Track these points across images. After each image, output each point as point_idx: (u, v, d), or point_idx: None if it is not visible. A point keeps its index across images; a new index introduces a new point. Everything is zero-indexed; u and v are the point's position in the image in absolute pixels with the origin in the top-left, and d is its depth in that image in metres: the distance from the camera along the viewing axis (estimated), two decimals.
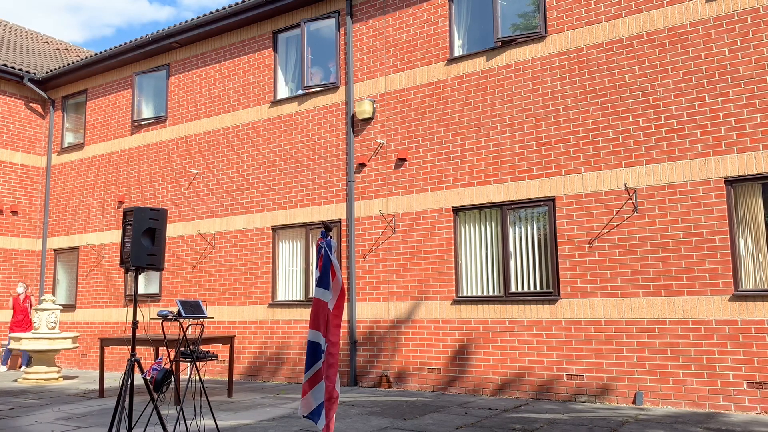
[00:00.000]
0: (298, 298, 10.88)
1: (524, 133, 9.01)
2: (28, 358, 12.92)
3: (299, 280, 10.96)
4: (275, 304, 11.05)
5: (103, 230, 13.84)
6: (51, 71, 14.80)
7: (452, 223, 9.45)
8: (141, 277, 12.59)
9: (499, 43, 9.36)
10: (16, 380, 11.23)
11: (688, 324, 7.60)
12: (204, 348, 9.71)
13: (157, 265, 5.28)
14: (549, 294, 8.57)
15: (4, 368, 13.37)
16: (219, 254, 11.93)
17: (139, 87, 13.76)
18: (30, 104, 15.21)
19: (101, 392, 9.05)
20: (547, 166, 8.78)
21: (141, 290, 12.86)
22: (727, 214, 7.53)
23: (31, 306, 13.23)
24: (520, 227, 9.02)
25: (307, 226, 10.91)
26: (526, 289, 8.82)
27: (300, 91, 11.42)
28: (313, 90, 11.15)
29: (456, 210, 9.47)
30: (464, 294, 9.28)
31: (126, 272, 12.85)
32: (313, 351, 4.32)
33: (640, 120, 8.19)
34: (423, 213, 9.72)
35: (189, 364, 9.34)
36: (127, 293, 13.21)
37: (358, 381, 9.99)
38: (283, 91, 11.75)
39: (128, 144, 13.77)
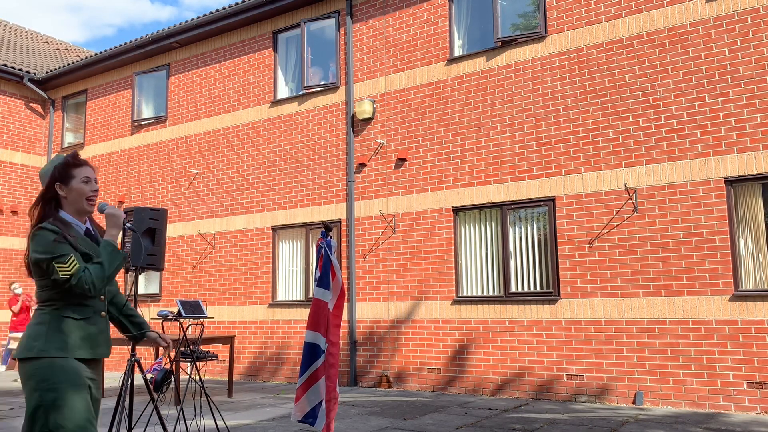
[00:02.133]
0: (298, 298, 10.88)
1: (524, 133, 9.01)
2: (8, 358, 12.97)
3: (299, 280, 10.96)
4: (275, 304, 11.04)
5: None
6: (51, 71, 14.80)
7: (452, 223, 9.45)
8: (141, 277, 12.58)
9: (499, 43, 9.36)
10: (16, 380, 11.23)
11: (688, 324, 7.60)
12: (204, 348, 9.71)
13: (157, 265, 5.28)
14: (549, 294, 8.57)
15: (2, 368, 13.37)
16: (219, 254, 11.93)
17: (139, 87, 13.76)
18: (30, 104, 15.21)
19: (101, 392, 9.04)
20: (547, 166, 8.78)
21: (141, 290, 12.85)
22: (727, 214, 7.53)
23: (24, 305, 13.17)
24: (520, 227, 9.02)
25: (307, 226, 10.91)
26: (526, 289, 8.82)
27: (300, 91, 11.42)
28: (313, 90, 11.15)
29: (456, 210, 9.47)
30: (464, 294, 9.28)
31: (126, 272, 12.85)
32: (311, 353, 4.31)
33: (640, 120, 8.19)
34: (423, 213, 9.72)
35: (189, 364, 9.34)
36: (127, 293, 13.20)
37: (358, 381, 9.99)
38: (283, 91, 11.75)
39: (128, 144, 13.77)
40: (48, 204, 2.87)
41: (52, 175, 2.89)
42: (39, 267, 2.75)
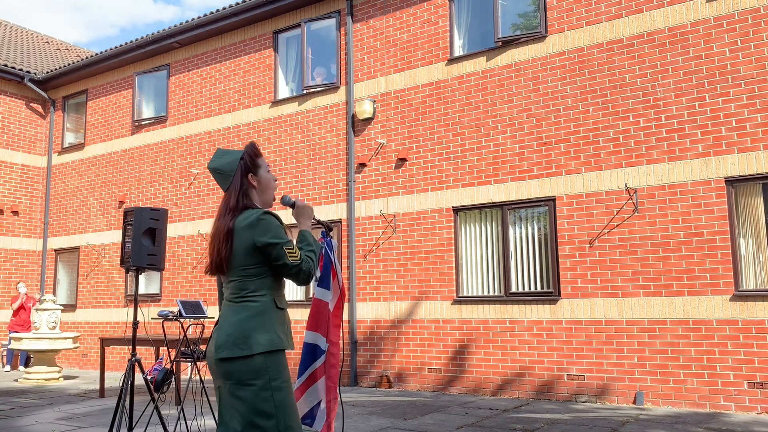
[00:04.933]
0: (298, 298, 10.88)
1: (525, 133, 9.01)
2: (27, 358, 12.92)
3: None
4: None
5: (104, 230, 13.85)
6: (51, 71, 14.81)
7: (453, 223, 9.44)
8: (141, 277, 12.59)
9: (500, 43, 9.35)
10: (16, 380, 11.24)
11: (688, 324, 7.60)
12: (205, 348, 9.71)
13: (157, 265, 5.28)
14: (549, 294, 8.57)
15: (8, 367, 13.37)
16: None
17: (140, 87, 13.77)
18: (30, 104, 15.22)
19: (102, 392, 9.05)
20: (548, 166, 8.78)
21: (141, 290, 12.86)
22: (727, 214, 7.53)
23: (27, 308, 13.16)
24: (521, 227, 9.02)
25: None
26: (526, 289, 8.82)
27: (301, 91, 11.41)
28: (314, 90, 11.15)
29: (456, 210, 9.47)
30: (465, 294, 9.28)
31: (126, 272, 12.85)
32: (310, 353, 4.30)
33: (641, 120, 8.18)
34: (423, 213, 9.72)
35: (190, 364, 9.34)
36: (128, 293, 13.21)
37: (359, 381, 9.99)
38: (283, 91, 11.75)
39: (129, 144, 13.77)
40: (244, 195, 2.79)
41: (244, 166, 2.81)
42: (263, 252, 2.69)
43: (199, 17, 12.29)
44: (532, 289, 8.79)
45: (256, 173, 2.84)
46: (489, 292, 9.12)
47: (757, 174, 7.42)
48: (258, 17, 11.82)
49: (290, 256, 2.70)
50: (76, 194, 14.57)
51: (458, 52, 9.85)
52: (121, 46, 13.52)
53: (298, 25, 11.50)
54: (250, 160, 2.83)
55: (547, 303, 8.54)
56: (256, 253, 2.70)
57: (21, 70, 14.61)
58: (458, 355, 9.15)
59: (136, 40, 13.25)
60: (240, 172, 2.80)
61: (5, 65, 14.28)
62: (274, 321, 2.70)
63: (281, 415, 2.58)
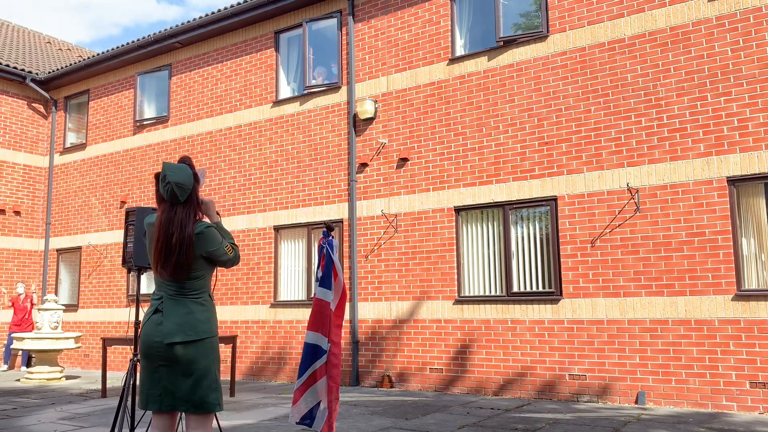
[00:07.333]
0: (300, 298, 10.88)
1: (526, 133, 9.00)
2: (28, 357, 12.94)
3: (301, 280, 10.97)
4: (277, 304, 11.05)
5: (106, 230, 13.86)
6: (53, 71, 14.82)
7: (454, 223, 9.44)
8: (143, 277, 12.57)
9: (501, 43, 9.35)
10: (18, 380, 11.26)
11: (690, 324, 7.59)
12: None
13: None
14: (551, 294, 8.56)
15: (5, 367, 13.40)
16: None
17: (142, 87, 13.78)
18: (32, 104, 15.24)
19: (103, 392, 9.06)
20: (549, 165, 8.78)
21: (143, 290, 12.85)
22: (729, 214, 7.52)
23: (32, 305, 13.22)
24: (522, 227, 9.01)
25: (309, 226, 10.91)
26: (528, 289, 8.81)
27: (302, 91, 11.42)
28: (315, 90, 11.15)
29: (458, 210, 9.47)
30: (466, 294, 9.28)
31: (128, 272, 12.87)
32: (311, 354, 4.30)
33: (642, 119, 8.18)
34: (425, 213, 9.71)
35: None
36: (130, 293, 13.22)
37: (360, 381, 9.99)
38: (285, 91, 11.75)
39: (130, 144, 13.78)
40: (197, 208, 3.38)
41: (196, 180, 3.36)
42: (207, 258, 3.31)
43: (200, 17, 12.30)
44: (534, 288, 8.78)
45: (198, 187, 3.38)
46: (490, 292, 9.12)
47: (758, 173, 7.41)
48: (259, 17, 11.82)
49: (228, 251, 3.39)
50: (78, 194, 14.59)
51: (460, 51, 9.85)
52: (122, 46, 13.54)
53: (300, 25, 11.50)
54: (194, 175, 3.37)
55: (549, 303, 8.54)
56: (203, 259, 3.31)
57: (23, 70, 14.63)
58: (460, 355, 9.15)
59: (138, 40, 13.26)
60: (195, 187, 3.35)
61: (7, 65, 14.29)
62: (214, 312, 3.48)
63: (216, 375, 3.37)
